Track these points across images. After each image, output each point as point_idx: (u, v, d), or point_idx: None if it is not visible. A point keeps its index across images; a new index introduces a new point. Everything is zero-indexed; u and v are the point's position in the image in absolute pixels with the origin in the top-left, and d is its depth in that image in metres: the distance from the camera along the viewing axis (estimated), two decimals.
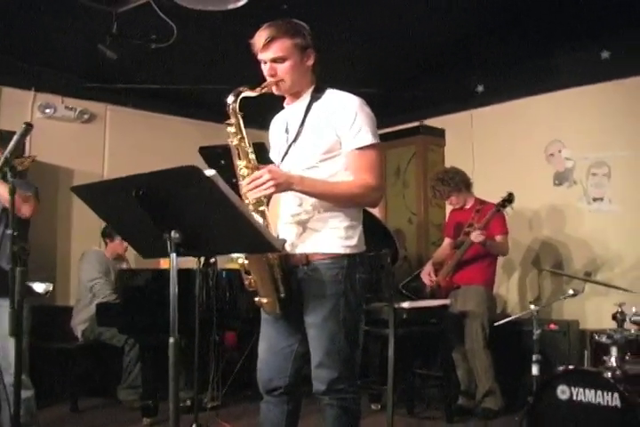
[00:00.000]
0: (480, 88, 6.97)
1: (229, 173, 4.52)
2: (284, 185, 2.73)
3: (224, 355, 5.99)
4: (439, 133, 7.36)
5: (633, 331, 4.00)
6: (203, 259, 5.02)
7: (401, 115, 7.47)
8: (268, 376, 3.06)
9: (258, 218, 2.78)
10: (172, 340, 2.39)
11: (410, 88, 7.32)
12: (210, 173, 2.22)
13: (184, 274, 4.93)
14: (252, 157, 2.85)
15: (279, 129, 3.13)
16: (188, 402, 5.36)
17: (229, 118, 2.83)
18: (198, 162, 5.28)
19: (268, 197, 2.91)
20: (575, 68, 6.28)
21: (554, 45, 6.29)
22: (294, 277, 2.91)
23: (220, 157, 5.42)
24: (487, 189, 6.09)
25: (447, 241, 5.91)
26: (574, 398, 3.56)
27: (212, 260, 5.17)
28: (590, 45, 6.08)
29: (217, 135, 6.48)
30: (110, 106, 7.07)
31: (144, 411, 5.11)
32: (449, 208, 6.04)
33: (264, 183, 2.68)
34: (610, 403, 3.42)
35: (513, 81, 6.68)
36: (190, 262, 4.88)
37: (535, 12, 6.03)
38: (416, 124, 7.36)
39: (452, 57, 6.81)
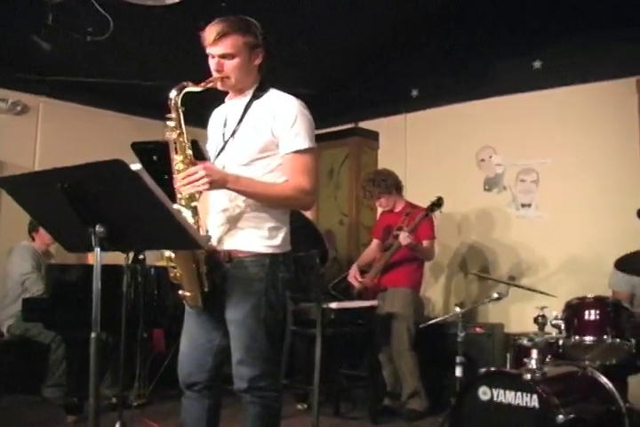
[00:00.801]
0: (415, 92, 7.05)
1: (161, 170, 4.51)
2: (218, 182, 2.74)
3: (151, 352, 5.93)
4: (373, 136, 7.40)
5: (554, 334, 4.11)
6: (131, 255, 4.99)
7: (336, 116, 7.49)
8: (188, 370, 3.06)
9: (189, 214, 2.80)
10: (93, 334, 2.37)
11: (345, 90, 7.36)
12: (135, 167, 2.20)
13: (112, 270, 4.90)
14: (189, 152, 2.84)
15: (218, 123, 3.13)
16: (114, 400, 5.28)
17: (168, 113, 2.82)
18: (131, 158, 5.22)
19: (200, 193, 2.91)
20: (508, 76, 6.39)
21: (488, 53, 6.41)
22: (218, 273, 2.91)
23: (152, 153, 5.37)
24: (419, 193, 6.14)
25: (375, 242, 5.94)
26: (495, 399, 3.61)
27: (141, 256, 5.13)
28: (523, 55, 6.22)
29: (151, 131, 6.45)
30: (44, 98, 6.93)
31: (68, 408, 5.02)
32: (380, 210, 6.08)
33: (198, 179, 2.69)
34: (528, 404, 3.48)
35: (447, 86, 6.78)
36: (120, 259, 4.84)
37: (471, 19, 6.14)
38: (350, 125, 7.40)
39: (388, 60, 6.88)
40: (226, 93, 3.13)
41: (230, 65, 2.91)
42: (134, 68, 6.49)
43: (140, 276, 5.23)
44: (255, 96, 3.01)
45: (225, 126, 3.05)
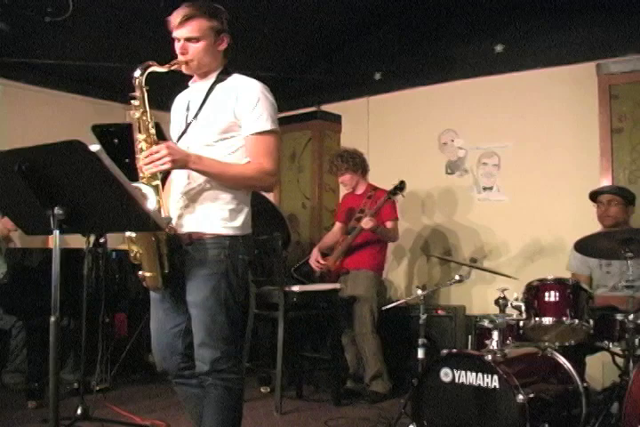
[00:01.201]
0: (377, 75, 7.04)
1: (122, 153, 4.49)
2: (180, 162, 2.76)
3: (113, 337, 5.90)
4: (336, 119, 7.38)
5: (515, 316, 4.15)
6: (92, 239, 4.94)
7: (298, 99, 7.48)
8: (161, 356, 3.12)
9: (151, 192, 2.81)
10: (52, 318, 2.36)
11: (308, 73, 7.36)
12: (94, 148, 2.18)
13: (73, 254, 4.89)
14: (153, 131, 2.86)
15: (181, 107, 3.14)
16: (76, 385, 5.24)
17: (132, 91, 2.84)
18: (92, 140, 5.17)
19: (166, 174, 2.96)
20: (470, 59, 6.43)
21: (451, 37, 6.45)
22: (178, 255, 2.93)
23: (113, 135, 5.33)
24: (381, 176, 6.15)
25: (338, 225, 5.95)
26: (456, 380, 3.64)
27: (102, 240, 5.08)
28: (485, 39, 6.27)
29: (111, 114, 6.39)
30: (1, 80, 6.82)
31: (29, 394, 4.97)
32: (342, 192, 6.08)
33: (160, 158, 2.72)
34: (489, 385, 3.51)
35: (410, 70, 6.79)
36: (81, 243, 4.81)
37: (434, 3, 6.15)
38: (313, 109, 7.37)
39: (350, 44, 6.88)
40: (189, 78, 3.14)
41: (195, 48, 2.94)
42: (94, 50, 6.38)
43: (101, 259, 5.18)
44: (219, 79, 3.03)
45: (188, 110, 3.06)
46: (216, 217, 2.95)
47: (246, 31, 5.87)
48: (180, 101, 3.18)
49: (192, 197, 2.96)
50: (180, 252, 2.94)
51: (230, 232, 2.96)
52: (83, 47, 6.33)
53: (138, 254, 2.89)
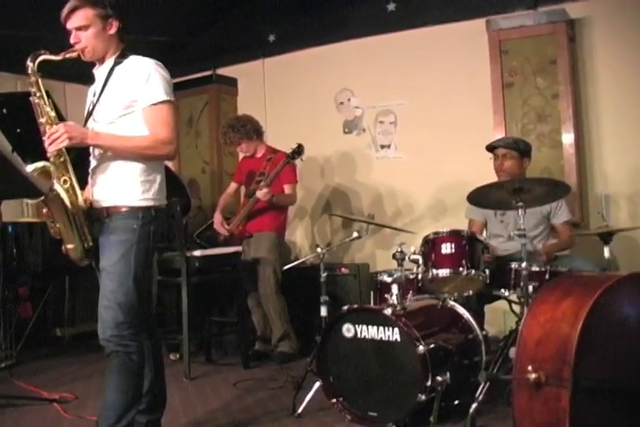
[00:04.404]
0: (272, 37, 6.98)
1: (12, 122, 4.41)
2: (77, 138, 2.95)
3: (17, 312, 5.78)
4: (232, 82, 7.32)
5: (415, 270, 4.22)
6: None
7: (193, 64, 7.37)
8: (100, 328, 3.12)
9: (59, 169, 3.04)
10: None
11: (201, 37, 7.26)
12: None
13: None
14: (52, 114, 3.07)
15: (90, 95, 3.30)
16: None
17: (24, 62, 3.03)
18: None
19: (77, 152, 3.13)
20: (363, 18, 6.44)
21: None
22: (98, 229, 3.12)
23: (1, 105, 5.17)
24: (280, 138, 6.16)
25: (233, 186, 5.95)
26: (358, 335, 3.71)
27: None
28: None
29: (1, 85, 6.17)
30: None
31: None
32: (241, 156, 6.05)
33: (59, 137, 2.91)
34: (391, 338, 3.59)
35: (304, 30, 6.76)
36: None
37: None
38: (208, 73, 7.27)
39: (243, 6, 6.79)
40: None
41: (86, 36, 3.12)
42: None
43: None
44: (117, 62, 3.19)
45: (94, 95, 3.22)
46: (129, 190, 3.10)
47: None
48: (90, 92, 3.32)
49: (104, 173, 3.13)
50: (99, 226, 3.12)
51: (143, 204, 3.11)
52: None
53: (57, 229, 3.08)
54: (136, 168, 3.10)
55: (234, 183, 5.96)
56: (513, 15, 5.60)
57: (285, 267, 4.97)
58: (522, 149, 4.65)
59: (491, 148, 4.73)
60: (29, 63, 3.03)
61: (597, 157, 5.43)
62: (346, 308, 3.81)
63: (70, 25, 3.12)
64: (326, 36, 6.61)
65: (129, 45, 3.27)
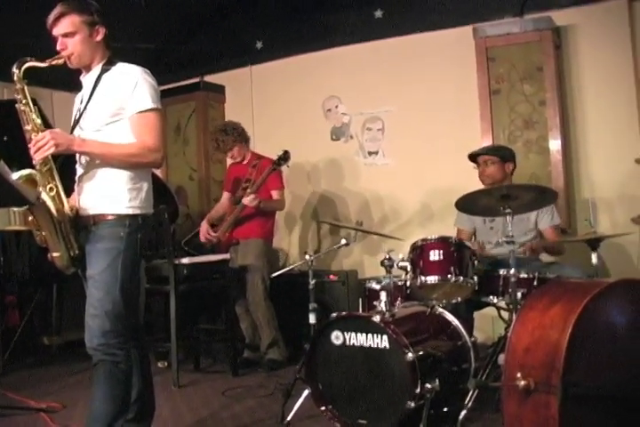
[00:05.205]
0: (259, 44, 6.99)
1: None
2: (63, 145, 2.94)
3: (3, 320, 5.75)
4: (219, 90, 7.32)
5: (403, 277, 4.21)
6: None
7: (180, 71, 7.37)
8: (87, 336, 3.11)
9: (45, 177, 3.01)
10: None
11: (189, 44, 7.26)
12: None
13: None
14: (38, 121, 3.05)
15: (77, 102, 3.29)
16: None
17: (9, 68, 3.03)
18: None
19: (64, 158, 3.12)
20: (351, 26, 6.45)
21: (330, 4, 6.44)
22: (84, 237, 3.11)
23: None
24: (267, 145, 6.16)
25: (226, 195, 5.89)
26: (347, 342, 3.70)
27: None
28: (365, 4, 6.29)
29: None
30: None
31: None
32: (229, 163, 6.04)
33: (45, 144, 2.90)
34: (379, 345, 3.58)
35: (291, 38, 6.77)
36: None
37: None
38: (196, 80, 7.27)
39: (230, 13, 6.79)
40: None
41: (72, 42, 3.12)
42: None
43: None
44: (104, 70, 3.18)
45: (82, 103, 3.21)
46: (116, 198, 3.08)
47: (123, 2, 5.73)
48: (78, 99, 3.31)
49: (91, 181, 3.12)
50: (85, 233, 3.10)
51: (130, 211, 3.09)
52: None
53: (43, 237, 3.07)
54: (123, 176, 3.09)
55: (226, 193, 5.89)
56: (500, 22, 5.63)
57: (274, 274, 4.96)
58: (502, 154, 4.70)
59: (473, 157, 4.76)
60: (15, 70, 3.02)
61: (584, 163, 5.46)
62: (334, 315, 3.81)
63: (56, 32, 3.11)
64: (314, 43, 6.63)
65: (116, 53, 3.27)
